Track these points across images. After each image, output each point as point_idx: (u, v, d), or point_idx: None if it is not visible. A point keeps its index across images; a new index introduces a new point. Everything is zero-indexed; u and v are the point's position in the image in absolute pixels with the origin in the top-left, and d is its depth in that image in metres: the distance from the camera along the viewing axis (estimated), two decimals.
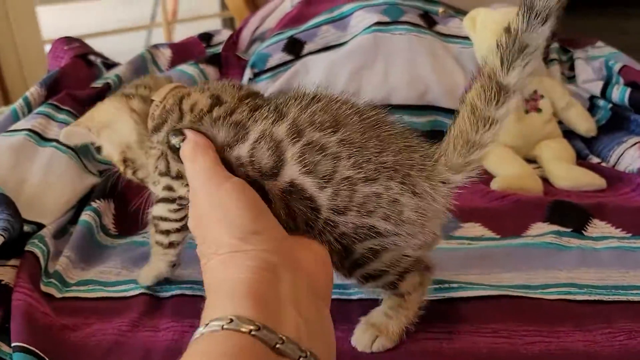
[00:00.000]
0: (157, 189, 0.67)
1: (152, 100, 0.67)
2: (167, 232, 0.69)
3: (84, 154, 1.01)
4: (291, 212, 0.56)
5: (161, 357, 0.64)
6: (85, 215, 0.88)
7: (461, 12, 1.32)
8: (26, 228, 0.83)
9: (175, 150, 0.59)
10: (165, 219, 0.68)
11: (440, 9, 1.31)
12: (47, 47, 2.50)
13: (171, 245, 0.70)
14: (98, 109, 0.71)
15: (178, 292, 0.74)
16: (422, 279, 0.63)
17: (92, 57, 1.29)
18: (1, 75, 2.31)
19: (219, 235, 0.51)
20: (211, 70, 1.24)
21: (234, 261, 0.49)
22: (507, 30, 0.56)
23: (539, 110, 1.13)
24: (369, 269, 0.60)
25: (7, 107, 1.40)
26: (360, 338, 0.64)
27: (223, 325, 0.42)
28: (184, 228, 0.68)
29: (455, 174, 0.59)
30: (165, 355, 0.65)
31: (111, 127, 0.69)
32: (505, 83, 0.57)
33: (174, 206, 0.66)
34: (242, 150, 0.57)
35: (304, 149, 0.55)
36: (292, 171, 0.55)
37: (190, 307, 0.71)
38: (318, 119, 0.56)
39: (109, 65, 1.31)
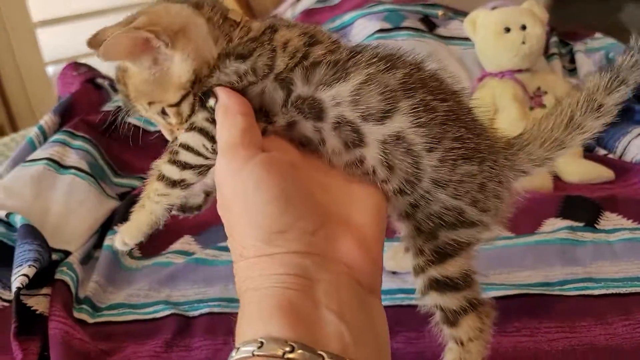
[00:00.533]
0: (198, 116, 0.53)
1: (228, 20, 0.54)
2: (183, 165, 0.53)
3: (101, 177, 1.03)
4: (389, 166, 0.52)
5: None
6: (109, 240, 0.90)
7: (460, 13, 1.34)
8: (54, 256, 0.85)
9: (212, 112, 0.51)
10: (191, 150, 0.53)
11: (440, 12, 1.33)
12: (49, 69, 2.53)
13: (179, 184, 0.54)
14: (162, 11, 0.52)
15: (207, 310, 0.76)
16: (483, 327, 0.58)
17: (99, 80, 1.31)
18: (6, 100, 2.33)
19: (243, 235, 0.46)
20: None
21: (259, 268, 0.44)
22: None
23: (543, 106, 1.14)
24: (447, 272, 0.55)
25: (17, 133, 1.43)
26: None
27: (254, 352, 0.39)
28: (203, 173, 0.55)
29: (536, 166, 0.58)
30: None
31: (187, 35, 0.51)
32: (603, 102, 0.58)
33: (210, 144, 0.52)
34: (342, 90, 0.50)
35: (418, 105, 0.51)
36: (403, 121, 0.51)
37: (221, 324, 0.73)
38: (430, 84, 0.53)
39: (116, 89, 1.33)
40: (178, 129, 0.54)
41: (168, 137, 0.56)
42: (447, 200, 0.53)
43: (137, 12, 0.52)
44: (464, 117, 0.54)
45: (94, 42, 0.51)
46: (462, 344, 0.57)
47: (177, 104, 0.52)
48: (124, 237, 0.57)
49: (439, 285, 0.56)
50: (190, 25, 0.52)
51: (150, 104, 0.52)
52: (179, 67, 0.51)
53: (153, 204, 0.55)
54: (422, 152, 0.51)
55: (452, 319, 0.57)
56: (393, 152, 0.51)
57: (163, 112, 0.53)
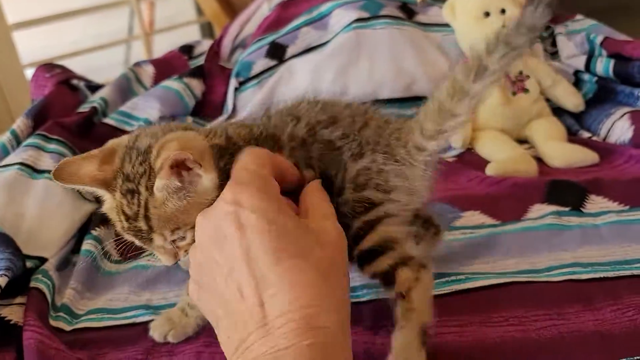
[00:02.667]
0: None
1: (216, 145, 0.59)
2: None
3: None
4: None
5: None
6: (87, 245, 0.88)
7: (439, 0, 1.32)
8: (28, 264, 0.82)
9: None
10: None
11: None
12: (27, 72, 2.49)
13: None
14: (185, 137, 0.58)
15: None
16: (417, 276, 0.62)
17: (75, 82, 1.28)
18: None
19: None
20: (196, 84, 1.24)
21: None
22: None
23: (526, 90, 1.13)
24: (364, 244, 0.61)
25: None
26: None
27: None
28: None
29: (428, 140, 0.63)
30: None
31: (207, 158, 0.57)
32: (485, 63, 0.60)
33: None
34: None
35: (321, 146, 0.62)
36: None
37: (202, 327, 0.71)
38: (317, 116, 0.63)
39: (93, 87, 1.30)
40: (186, 251, 0.58)
41: (169, 262, 0.59)
42: (351, 197, 0.60)
43: (148, 145, 0.56)
44: (354, 122, 0.63)
45: (59, 175, 0.57)
46: (403, 296, 0.61)
47: None
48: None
49: (363, 257, 0.61)
50: (207, 149, 0.57)
51: (174, 230, 0.56)
52: (207, 186, 0.55)
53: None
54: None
55: (389, 278, 0.61)
56: None
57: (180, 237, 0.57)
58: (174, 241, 0.58)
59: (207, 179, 0.55)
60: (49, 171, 0.97)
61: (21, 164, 0.96)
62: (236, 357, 0.47)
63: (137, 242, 0.59)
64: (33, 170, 0.97)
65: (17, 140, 1.07)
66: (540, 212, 0.88)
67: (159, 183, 0.54)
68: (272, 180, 0.53)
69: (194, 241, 0.55)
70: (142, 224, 0.56)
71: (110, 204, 0.59)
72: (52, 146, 1.02)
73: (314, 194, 0.57)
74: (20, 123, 1.09)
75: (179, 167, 0.54)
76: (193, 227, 0.55)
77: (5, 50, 2.14)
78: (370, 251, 0.61)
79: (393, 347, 0.60)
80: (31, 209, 0.91)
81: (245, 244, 0.48)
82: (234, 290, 0.48)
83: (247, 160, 0.54)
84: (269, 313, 0.46)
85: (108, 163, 0.58)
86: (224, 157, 0.58)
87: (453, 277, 0.75)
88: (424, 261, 0.64)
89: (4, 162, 0.98)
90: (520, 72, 1.14)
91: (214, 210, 0.52)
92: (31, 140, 1.02)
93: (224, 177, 0.56)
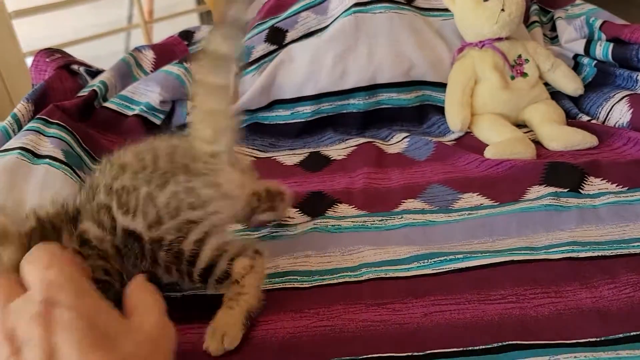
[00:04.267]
0: None
1: None
2: None
3: (78, 166, 1.00)
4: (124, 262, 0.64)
5: None
6: None
7: None
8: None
9: None
10: None
11: None
12: (28, 60, 2.48)
13: None
14: None
15: None
16: (253, 263, 0.66)
17: (75, 67, 1.28)
18: None
19: None
20: None
21: None
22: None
23: (524, 74, 1.13)
24: (201, 262, 0.64)
25: None
26: (211, 342, 0.63)
27: None
28: None
29: (212, 143, 0.67)
30: None
31: None
32: (222, 52, 0.68)
33: None
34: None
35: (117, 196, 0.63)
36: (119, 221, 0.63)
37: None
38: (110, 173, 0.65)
39: (93, 72, 1.30)
40: None
41: None
42: (170, 225, 0.63)
43: None
44: (144, 160, 0.65)
45: None
46: (237, 282, 0.65)
47: None
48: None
49: (204, 274, 0.64)
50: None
51: None
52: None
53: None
54: (131, 225, 0.63)
55: (228, 275, 0.65)
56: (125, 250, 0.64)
57: None
58: None
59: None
60: (49, 156, 0.97)
61: (22, 148, 0.96)
62: None
63: None
64: (33, 155, 0.97)
65: (18, 125, 1.06)
66: (538, 193, 0.89)
67: None
68: (81, 273, 0.50)
69: None
70: None
71: None
72: (53, 130, 1.02)
73: (137, 290, 0.54)
74: (20, 107, 1.09)
75: None
76: None
77: (5, 39, 2.13)
78: (209, 267, 0.64)
79: (215, 320, 0.64)
80: (31, 195, 0.91)
81: (53, 343, 0.43)
82: None
83: (46, 258, 0.50)
84: None
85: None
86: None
87: (451, 257, 0.76)
88: (259, 248, 0.68)
89: (4, 147, 0.98)
90: (519, 56, 1.14)
91: (15, 313, 0.46)
92: (32, 124, 1.03)
93: None
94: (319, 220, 0.87)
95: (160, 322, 0.52)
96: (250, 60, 1.23)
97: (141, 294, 0.54)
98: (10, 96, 2.40)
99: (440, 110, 1.18)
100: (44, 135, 1.01)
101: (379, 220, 0.88)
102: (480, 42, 1.14)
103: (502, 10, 1.11)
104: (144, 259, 0.64)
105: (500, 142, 1.03)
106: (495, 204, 0.89)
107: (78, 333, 0.44)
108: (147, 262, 0.64)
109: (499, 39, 1.14)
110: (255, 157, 1.11)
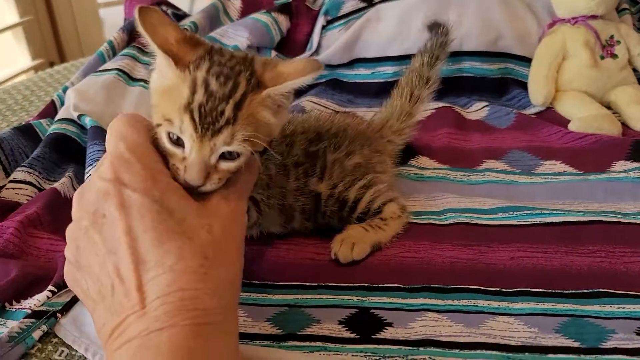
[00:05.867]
0: None
1: None
2: None
3: None
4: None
5: None
6: None
7: None
8: None
9: None
10: None
11: None
12: (101, 11, 2.55)
13: None
14: None
15: None
16: (400, 213, 0.75)
17: (164, 8, 1.32)
18: (59, 39, 2.37)
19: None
20: (283, 19, 1.25)
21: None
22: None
23: (614, 55, 1.12)
24: (362, 205, 0.74)
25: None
26: (342, 249, 0.69)
27: None
28: None
29: (397, 136, 0.89)
30: None
31: None
32: (430, 76, 0.92)
33: None
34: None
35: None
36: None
37: None
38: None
39: (179, 16, 1.34)
40: (220, 179, 0.51)
41: (196, 178, 0.49)
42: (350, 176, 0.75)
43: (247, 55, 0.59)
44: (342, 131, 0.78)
45: (144, 13, 0.50)
46: (382, 219, 0.74)
47: None
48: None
49: (360, 217, 0.74)
50: None
51: (243, 140, 0.50)
52: (279, 123, 0.54)
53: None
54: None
55: (379, 212, 0.74)
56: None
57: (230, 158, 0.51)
58: (222, 158, 0.49)
59: (285, 115, 0.54)
60: (143, 80, 1.01)
61: (119, 70, 1.00)
62: (110, 342, 0.43)
63: (189, 135, 0.48)
64: (129, 77, 1.01)
65: (113, 51, 1.11)
66: (624, 167, 0.88)
67: (273, 90, 0.50)
68: (154, 153, 0.49)
69: (234, 172, 0.50)
70: (229, 109, 0.48)
71: (172, 80, 0.50)
72: (146, 58, 1.06)
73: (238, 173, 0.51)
74: (116, 35, 1.13)
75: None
76: (246, 156, 0.50)
77: None
78: (367, 206, 0.74)
79: (344, 233, 0.72)
80: (126, 111, 0.95)
81: (127, 225, 0.44)
82: (111, 273, 0.44)
83: (124, 130, 0.49)
84: (147, 296, 0.43)
85: (187, 45, 0.51)
86: None
87: (537, 211, 0.76)
88: (406, 205, 0.77)
89: (102, 67, 1.02)
90: (612, 37, 1.12)
91: (92, 188, 0.47)
92: (127, 50, 1.06)
93: None
94: (402, 168, 0.89)
95: (235, 209, 0.50)
96: (338, 15, 1.24)
97: (234, 178, 0.51)
98: (81, 44, 2.48)
99: (522, 84, 1.17)
100: (138, 62, 1.05)
101: (462, 175, 0.89)
102: (574, 18, 1.13)
103: None
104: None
105: (586, 117, 1.02)
106: (579, 172, 0.88)
107: (151, 218, 0.44)
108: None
109: (593, 17, 1.12)
110: (334, 111, 1.13)
